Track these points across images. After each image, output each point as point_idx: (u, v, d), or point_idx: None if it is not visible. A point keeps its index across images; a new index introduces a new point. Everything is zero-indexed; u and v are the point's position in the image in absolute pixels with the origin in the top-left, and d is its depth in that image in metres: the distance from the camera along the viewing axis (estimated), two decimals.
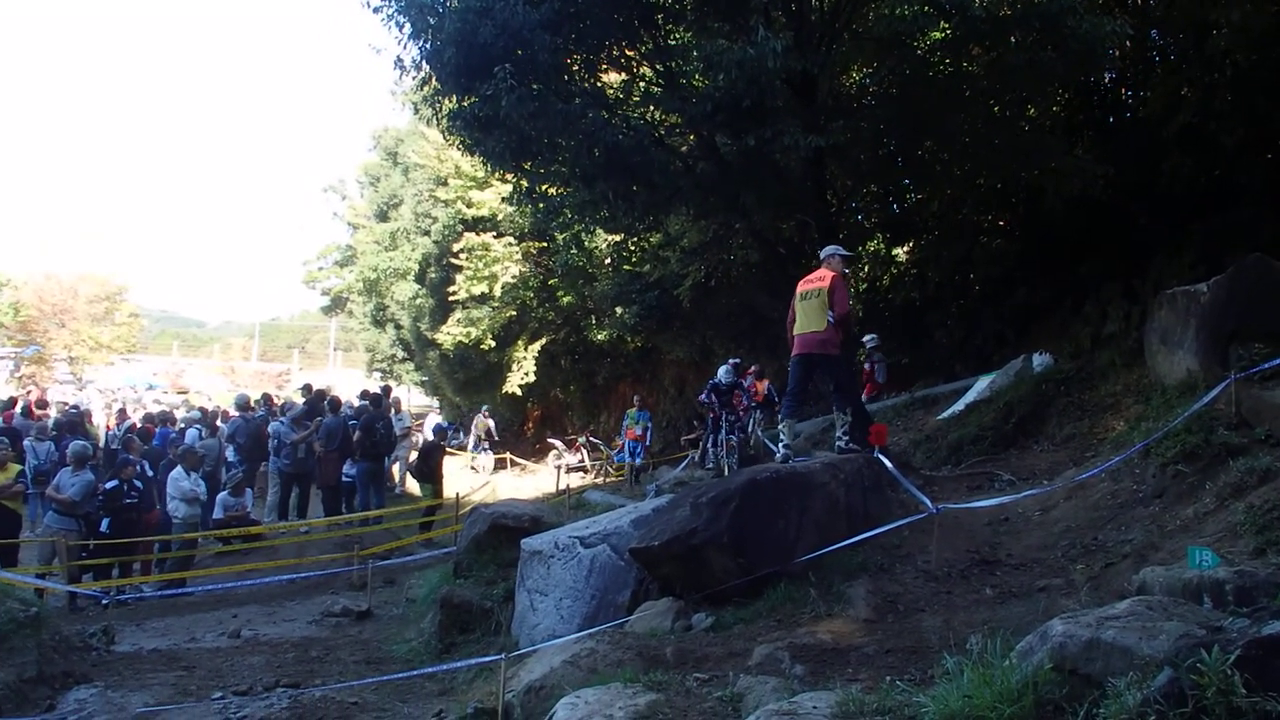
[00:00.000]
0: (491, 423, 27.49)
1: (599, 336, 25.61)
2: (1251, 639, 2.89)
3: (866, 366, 16.62)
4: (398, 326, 35.44)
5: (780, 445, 8.88)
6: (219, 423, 19.66)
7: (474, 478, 23.73)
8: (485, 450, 26.76)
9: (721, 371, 14.60)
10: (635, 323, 21.84)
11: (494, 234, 25.98)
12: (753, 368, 16.64)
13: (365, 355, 47.11)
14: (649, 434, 21.01)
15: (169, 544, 13.66)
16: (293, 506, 16.30)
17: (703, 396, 14.96)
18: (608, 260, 22.94)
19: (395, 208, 35.87)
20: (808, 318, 8.76)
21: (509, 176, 13.48)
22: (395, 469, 20.25)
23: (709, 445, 14.97)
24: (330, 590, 12.68)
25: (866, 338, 16.37)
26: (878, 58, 11.85)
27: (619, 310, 22.42)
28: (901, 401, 17.02)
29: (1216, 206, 12.73)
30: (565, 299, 25.89)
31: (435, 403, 32.33)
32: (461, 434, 31.70)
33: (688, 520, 7.32)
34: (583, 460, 25.63)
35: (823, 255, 9.12)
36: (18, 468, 13.01)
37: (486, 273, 25.59)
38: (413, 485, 19.54)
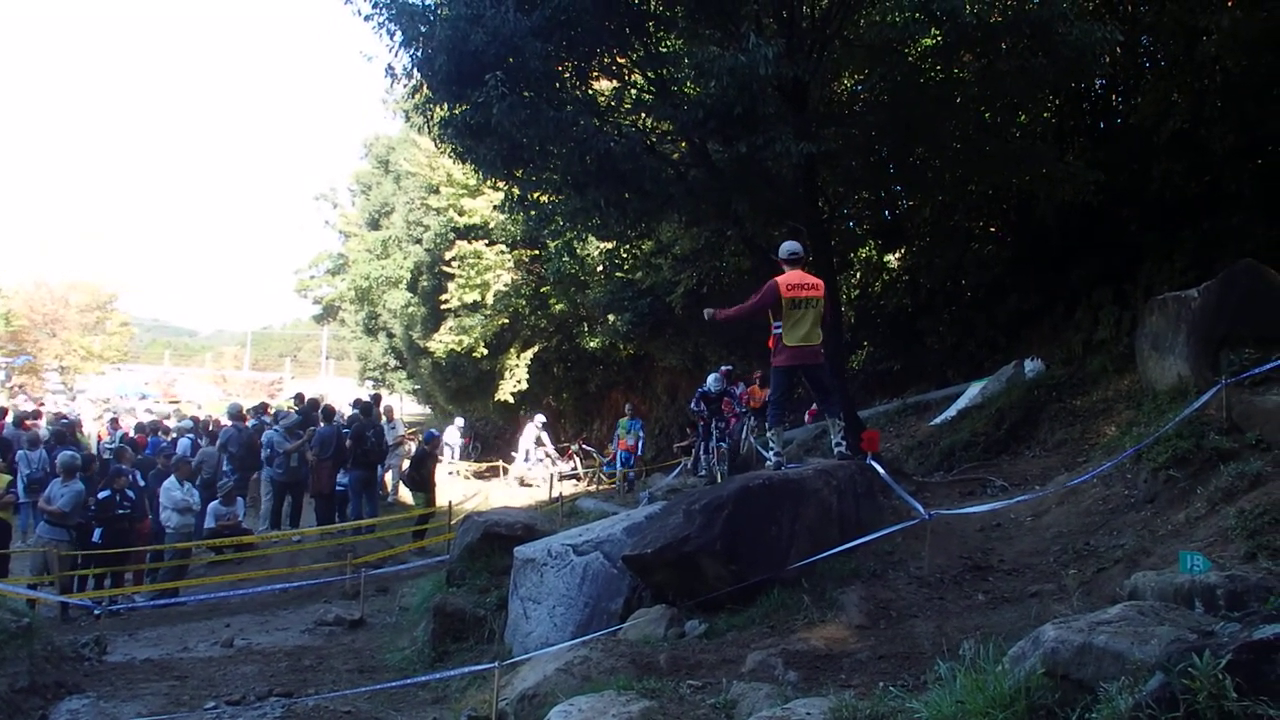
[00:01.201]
0: (545, 433, 26.22)
1: (591, 344, 25.58)
2: (1243, 643, 2.90)
3: None
4: (390, 335, 35.42)
5: (771, 453, 8.83)
6: (213, 430, 19.62)
7: (466, 485, 23.62)
8: (541, 460, 25.76)
9: (710, 379, 14.59)
10: (628, 330, 21.85)
11: (486, 242, 25.96)
12: (757, 373, 16.57)
13: (357, 364, 47.02)
14: (640, 443, 20.96)
15: (161, 553, 13.63)
16: (285, 515, 16.28)
17: (693, 405, 14.95)
18: (600, 268, 22.95)
19: (387, 216, 35.86)
20: (808, 329, 8.47)
21: (501, 184, 13.47)
22: (388, 477, 20.20)
23: (701, 453, 14.97)
24: (323, 599, 12.65)
25: None
26: (869, 64, 11.83)
27: (611, 318, 22.42)
28: (894, 408, 17.07)
29: (1207, 212, 12.78)
30: (557, 306, 25.87)
31: (458, 418, 30.96)
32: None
33: (680, 527, 7.32)
34: (575, 468, 25.59)
35: (796, 255, 8.70)
36: (7, 478, 12.99)
37: (479, 280, 25.57)
38: (405, 494, 19.49)
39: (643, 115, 12.01)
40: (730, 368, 16.12)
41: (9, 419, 20.21)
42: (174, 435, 20.06)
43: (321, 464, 15.79)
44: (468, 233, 26.31)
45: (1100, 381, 11.99)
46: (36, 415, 22.42)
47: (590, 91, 11.90)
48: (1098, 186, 11.98)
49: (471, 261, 25.63)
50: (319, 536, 15.55)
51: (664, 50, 11.88)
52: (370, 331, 39.02)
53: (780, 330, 8.50)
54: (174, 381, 62.87)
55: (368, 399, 19.64)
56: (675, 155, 12.20)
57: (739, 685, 5.09)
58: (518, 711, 5.80)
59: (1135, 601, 4.10)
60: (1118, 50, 12.67)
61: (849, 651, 5.74)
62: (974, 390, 14.73)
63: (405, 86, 11.64)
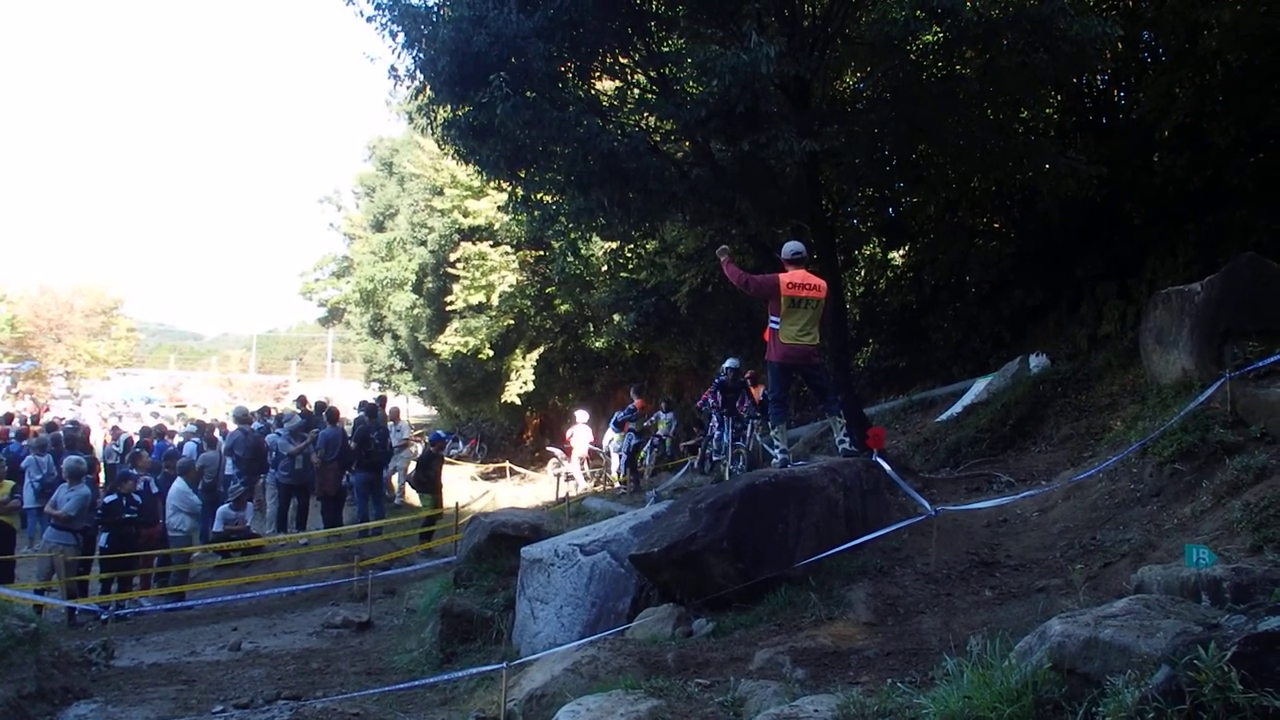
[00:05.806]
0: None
1: (597, 344, 25.53)
2: (1248, 635, 2.89)
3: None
4: (395, 337, 35.41)
5: (776, 450, 8.83)
6: (216, 435, 19.64)
7: (473, 486, 23.52)
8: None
9: (727, 363, 14.25)
10: (633, 330, 21.81)
11: (491, 243, 25.92)
12: (749, 372, 16.47)
13: (363, 366, 47.07)
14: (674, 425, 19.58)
15: (169, 557, 13.65)
16: (292, 518, 16.30)
17: (700, 403, 14.86)
18: (604, 268, 22.90)
19: (391, 218, 35.85)
20: (805, 329, 8.52)
21: (505, 185, 13.47)
22: (394, 479, 20.21)
23: (711, 453, 14.89)
24: (330, 602, 12.67)
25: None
26: (871, 62, 11.84)
27: (616, 317, 22.39)
28: (899, 404, 17.07)
29: (1210, 206, 12.77)
30: (563, 307, 25.84)
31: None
32: (460, 443, 31.59)
33: (687, 526, 7.33)
34: (583, 469, 25.42)
35: (799, 254, 8.74)
36: (10, 484, 13.04)
37: (484, 282, 25.53)
38: (412, 495, 19.49)
39: (645, 114, 12.02)
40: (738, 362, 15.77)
41: (14, 424, 20.31)
42: (180, 439, 20.10)
43: (327, 466, 15.82)
44: (472, 234, 26.27)
45: (1105, 376, 11.99)
46: (36, 420, 22.48)
47: (593, 91, 11.92)
48: (1100, 181, 11.98)
49: (476, 263, 25.59)
50: (326, 539, 15.58)
51: (666, 50, 11.90)
52: (375, 334, 39.05)
53: (777, 325, 8.53)
54: (180, 385, 63.00)
55: (373, 401, 19.66)
56: (678, 154, 12.21)
57: (747, 683, 5.09)
58: (526, 712, 5.81)
59: (1141, 595, 4.10)
60: (1119, 45, 12.69)
61: (857, 648, 5.74)
62: (979, 386, 14.72)
63: (408, 88, 11.65)
